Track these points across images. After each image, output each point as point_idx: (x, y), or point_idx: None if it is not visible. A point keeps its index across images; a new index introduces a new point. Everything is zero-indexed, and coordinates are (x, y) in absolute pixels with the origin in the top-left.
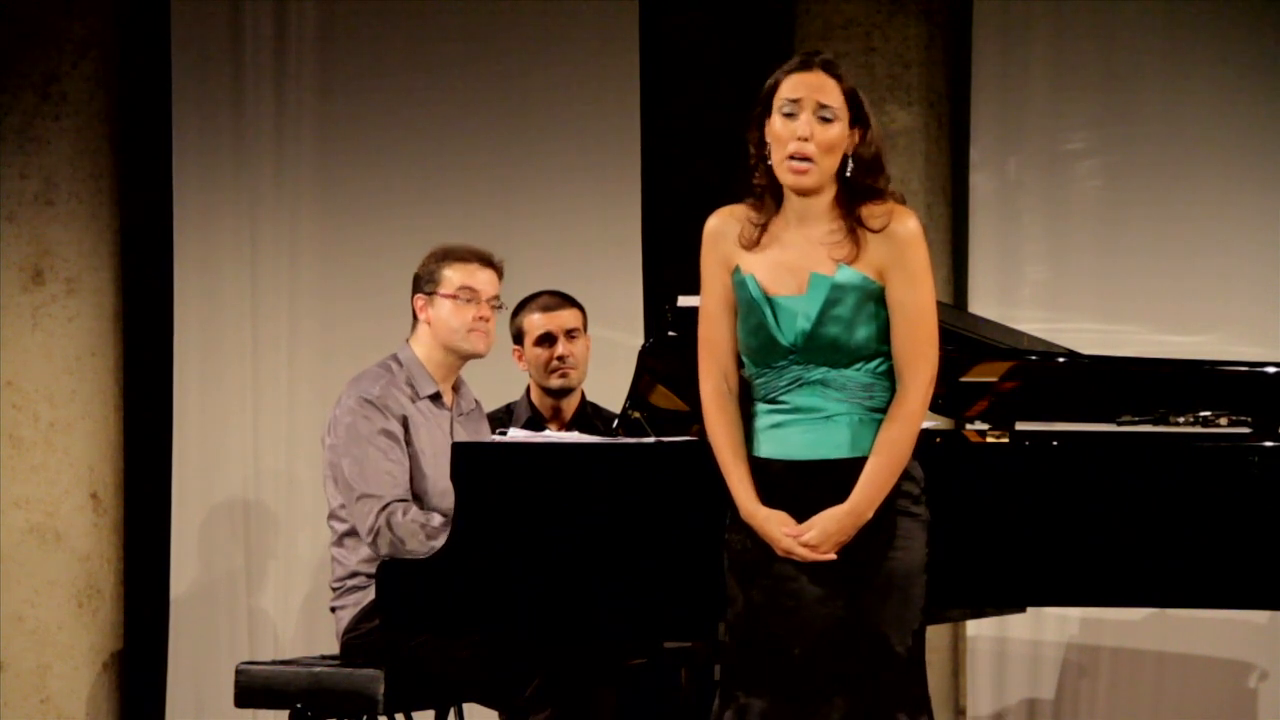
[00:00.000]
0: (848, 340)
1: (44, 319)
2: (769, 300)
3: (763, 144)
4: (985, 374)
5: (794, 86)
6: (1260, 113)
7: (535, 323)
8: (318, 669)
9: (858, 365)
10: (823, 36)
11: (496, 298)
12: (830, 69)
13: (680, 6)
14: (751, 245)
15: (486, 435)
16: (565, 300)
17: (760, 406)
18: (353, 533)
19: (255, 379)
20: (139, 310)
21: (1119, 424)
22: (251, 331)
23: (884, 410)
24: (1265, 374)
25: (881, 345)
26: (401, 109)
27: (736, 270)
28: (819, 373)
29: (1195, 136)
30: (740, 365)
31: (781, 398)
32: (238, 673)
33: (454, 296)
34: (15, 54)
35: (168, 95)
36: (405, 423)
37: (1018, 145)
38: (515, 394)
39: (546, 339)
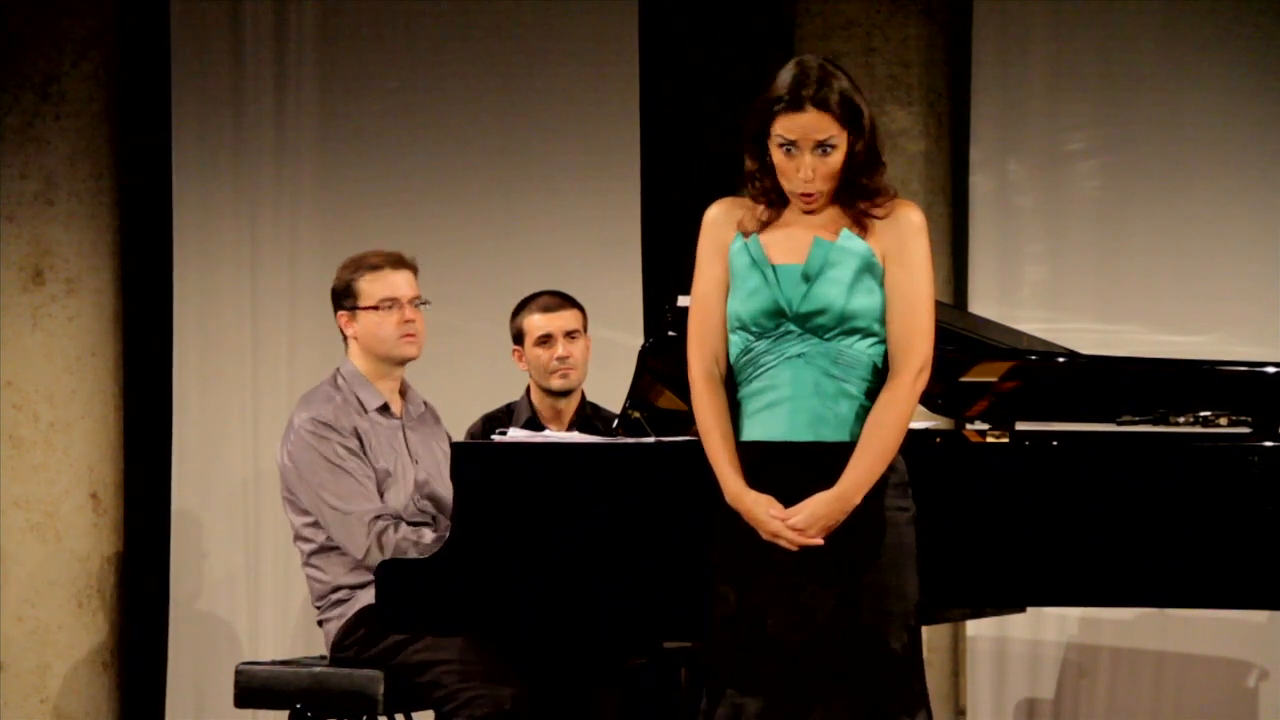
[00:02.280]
0: (843, 306)
1: (44, 319)
2: (772, 266)
3: (764, 154)
4: (985, 374)
5: (788, 128)
6: (1260, 113)
7: (535, 323)
8: (318, 669)
9: (850, 340)
10: (823, 36)
11: (418, 297)
12: (822, 104)
13: (680, 6)
14: (755, 233)
15: (439, 437)
16: (565, 301)
17: (746, 390)
18: (323, 550)
19: (255, 379)
20: (139, 310)
21: (1119, 424)
22: (251, 331)
23: (874, 397)
24: (1265, 374)
25: (874, 324)
26: (401, 109)
27: (737, 237)
28: (810, 343)
29: (1195, 136)
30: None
31: (769, 373)
32: (238, 673)
33: (375, 308)
34: (15, 54)
35: (168, 95)
36: (359, 437)
37: (1018, 145)
38: (515, 394)
39: (546, 340)
